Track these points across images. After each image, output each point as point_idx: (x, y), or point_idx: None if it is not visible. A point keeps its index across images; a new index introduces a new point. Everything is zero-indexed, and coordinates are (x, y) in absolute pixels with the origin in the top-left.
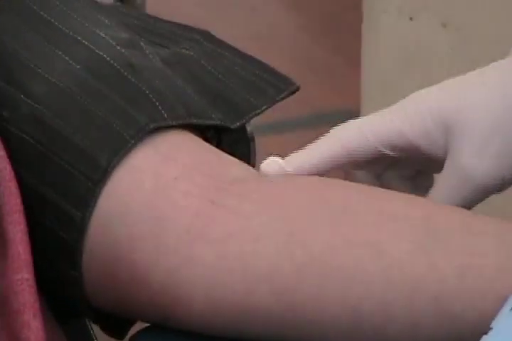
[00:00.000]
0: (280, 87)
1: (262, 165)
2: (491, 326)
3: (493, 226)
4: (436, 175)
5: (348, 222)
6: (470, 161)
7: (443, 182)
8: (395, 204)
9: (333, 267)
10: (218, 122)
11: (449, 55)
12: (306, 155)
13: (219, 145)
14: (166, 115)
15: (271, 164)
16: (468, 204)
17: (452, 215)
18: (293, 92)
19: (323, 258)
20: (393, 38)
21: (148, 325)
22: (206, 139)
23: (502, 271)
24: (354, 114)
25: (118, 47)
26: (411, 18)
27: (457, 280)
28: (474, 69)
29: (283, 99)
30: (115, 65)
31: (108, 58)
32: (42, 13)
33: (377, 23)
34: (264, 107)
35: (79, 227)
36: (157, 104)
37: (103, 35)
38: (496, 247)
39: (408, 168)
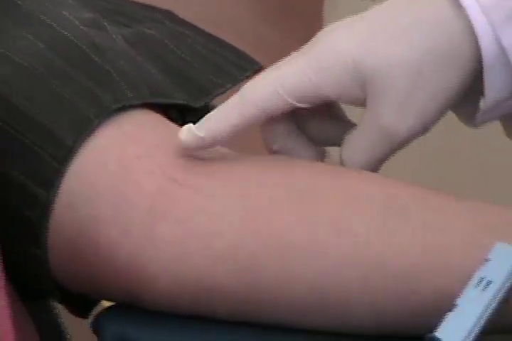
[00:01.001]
0: (244, 66)
1: (179, 133)
2: (455, 302)
3: (450, 203)
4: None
5: (310, 200)
6: (392, 120)
7: (362, 136)
8: (357, 182)
9: (293, 245)
10: (182, 101)
11: None
12: (221, 120)
13: (183, 124)
14: (129, 94)
15: (187, 133)
16: (387, 157)
17: (413, 192)
18: (256, 71)
19: (283, 236)
20: None
21: (113, 303)
22: (170, 119)
23: (464, 247)
24: None
25: (82, 27)
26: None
27: (417, 256)
28: None
29: (247, 78)
30: (79, 44)
31: (72, 38)
32: None
33: (338, 4)
34: (229, 86)
35: (44, 206)
36: (121, 83)
37: (67, 15)
38: (455, 223)
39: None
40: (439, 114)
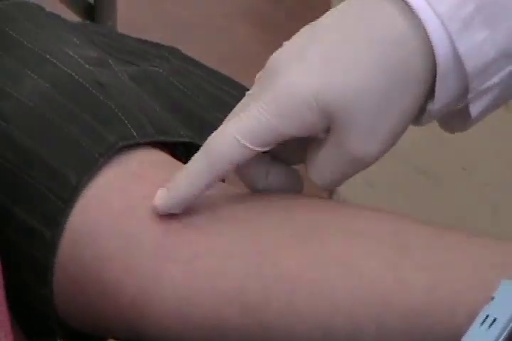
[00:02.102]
0: None
1: (154, 199)
2: None
3: (460, 240)
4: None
5: (316, 239)
6: (358, 145)
7: (328, 160)
8: (362, 220)
9: (301, 285)
10: (187, 139)
11: None
12: (192, 185)
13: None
14: (134, 133)
15: (161, 196)
16: (347, 178)
17: (420, 229)
18: None
19: (291, 277)
20: None
21: None
22: (176, 156)
23: (470, 285)
24: None
25: (86, 66)
26: None
27: (426, 295)
28: None
29: None
30: (84, 83)
31: (77, 76)
32: (11, 32)
33: None
34: None
35: (49, 245)
36: (126, 122)
37: (71, 54)
38: (463, 262)
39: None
40: (404, 130)
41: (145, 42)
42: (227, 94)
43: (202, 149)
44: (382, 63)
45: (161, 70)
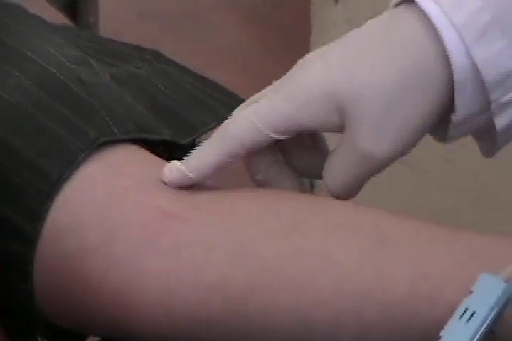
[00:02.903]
0: (231, 104)
1: (164, 170)
2: (440, 334)
3: (441, 234)
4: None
5: (299, 232)
6: (368, 144)
7: (340, 160)
8: (345, 213)
9: (283, 277)
10: (168, 137)
11: None
12: (204, 157)
13: (169, 160)
14: (115, 129)
15: (172, 169)
16: (367, 179)
17: (401, 223)
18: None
19: (274, 269)
20: None
21: (100, 339)
22: (157, 154)
23: (450, 278)
24: None
25: (68, 64)
26: None
27: (406, 289)
28: None
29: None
30: (66, 80)
31: (58, 74)
32: None
33: (327, 34)
34: (215, 124)
35: (30, 240)
36: (107, 118)
37: (53, 52)
38: (444, 255)
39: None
40: (417, 136)
41: (126, 45)
42: (209, 95)
43: (217, 130)
44: (397, 65)
45: (143, 71)
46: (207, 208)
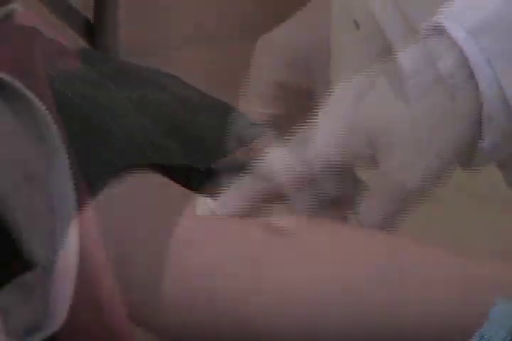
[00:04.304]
0: (251, 131)
1: (196, 209)
2: None
3: (457, 260)
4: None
5: (311, 257)
6: (400, 177)
7: (373, 194)
8: (359, 239)
9: (294, 302)
10: (187, 163)
11: None
12: (238, 199)
13: (187, 184)
14: (134, 154)
15: (203, 207)
16: (399, 214)
17: (417, 249)
18: (261, 134)
19: (289, 294)
20: None
21: None
22: (174, 179)
23: (466, 305)
24: None
25: (87, 88)
26: None
27: (421, 316)
28: None
29: (252, 141)
30: (81, 103)
31: (74, 97)
32: None
33: None
34: (235, 149)
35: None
36: (124, 143)
37: (72, 75)
38: (457, 281)
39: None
40: (448, 168)
41: (145, 68)
42: (229, 121)
43: (254, 168)
44: (426, 96)
45: (161, 96)
46: (223, 235)
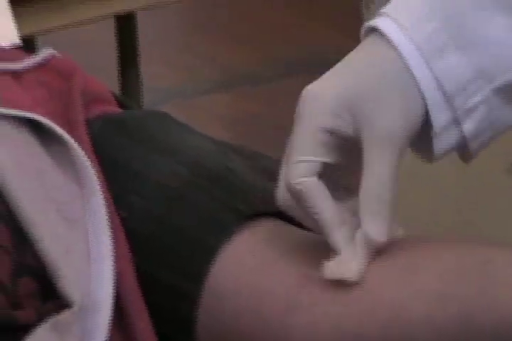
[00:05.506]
0: None
1: (324, 272)
2: None
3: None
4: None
5: (416, 276)
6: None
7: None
8: (456, 252)
9: (404, 317)
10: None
11: None
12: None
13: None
14: (259, 204)
15: (331, 272)
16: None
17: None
18: None
19: (398, 311)
20: None
21: None
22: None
23: None
24: None
25: (213, 153)
26: None
27: None
28: None
29: None
30: (213, 167)
31: (208, 163)
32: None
33: None
34: None
35: (193, 300)
36: (251, 195)
37: (200, 145)
38: None
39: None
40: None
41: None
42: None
43: (361, 235)
44: (379, 71)
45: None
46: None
